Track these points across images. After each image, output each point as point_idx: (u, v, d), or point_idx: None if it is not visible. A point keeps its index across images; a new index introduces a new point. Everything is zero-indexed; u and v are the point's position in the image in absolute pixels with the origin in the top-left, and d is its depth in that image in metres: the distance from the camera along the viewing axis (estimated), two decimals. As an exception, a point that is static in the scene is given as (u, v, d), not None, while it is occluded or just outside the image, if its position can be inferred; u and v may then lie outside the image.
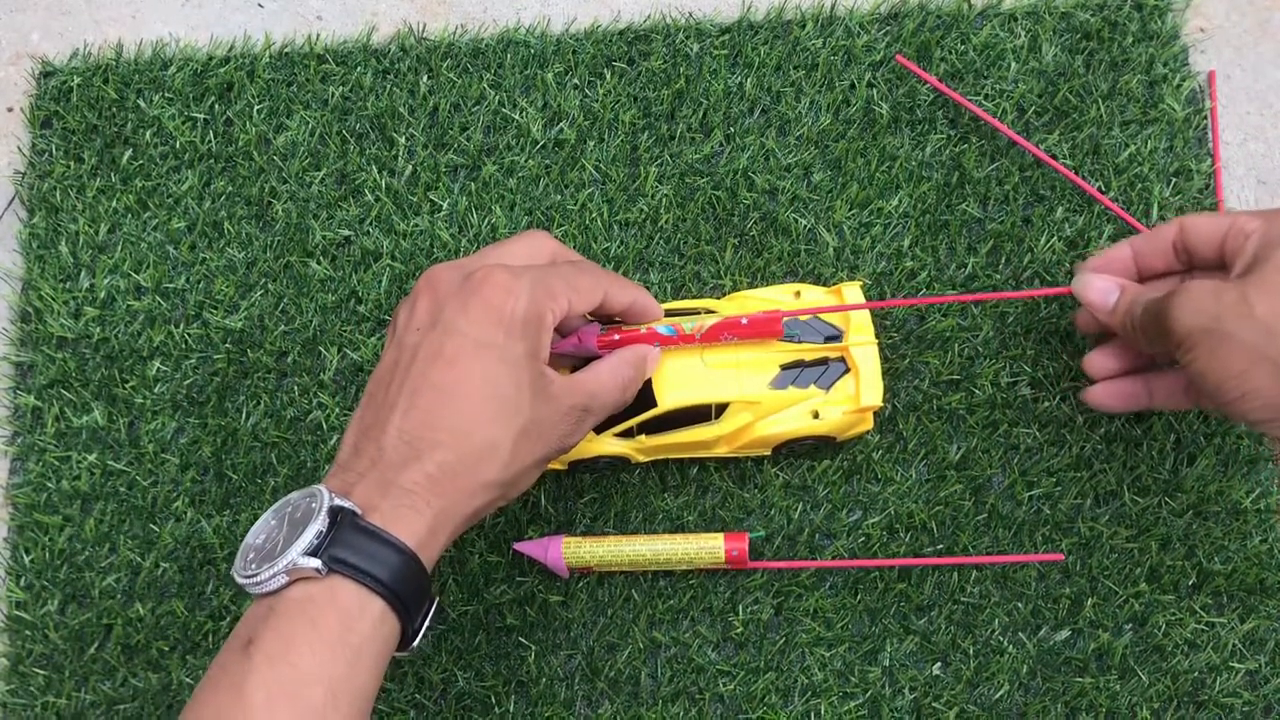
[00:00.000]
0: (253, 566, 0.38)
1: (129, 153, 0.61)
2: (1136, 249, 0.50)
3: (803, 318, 0.52)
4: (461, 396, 0.41)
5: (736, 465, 0.56)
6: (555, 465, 0.54)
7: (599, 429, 0.52)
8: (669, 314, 0.54)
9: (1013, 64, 0.60)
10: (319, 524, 0.38)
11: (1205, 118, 0.60)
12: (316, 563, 0.37)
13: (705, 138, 0.60)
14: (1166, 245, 0.49)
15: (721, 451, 0.53)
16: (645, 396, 0.51)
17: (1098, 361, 0.52)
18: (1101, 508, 0.55)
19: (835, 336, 0.52)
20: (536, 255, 0.46)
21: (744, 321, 0.50)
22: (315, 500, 0.39)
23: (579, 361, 0.50)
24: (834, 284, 0.57)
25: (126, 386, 0.58)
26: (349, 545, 0.38)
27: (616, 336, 0.49)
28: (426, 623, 0.41)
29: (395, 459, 0.40)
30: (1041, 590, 0.54)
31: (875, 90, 0.60)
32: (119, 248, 0.60)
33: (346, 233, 0.59)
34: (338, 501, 0.39)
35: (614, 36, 0.62)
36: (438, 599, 0.47)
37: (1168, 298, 0.44)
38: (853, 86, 0.60)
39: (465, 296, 0.42)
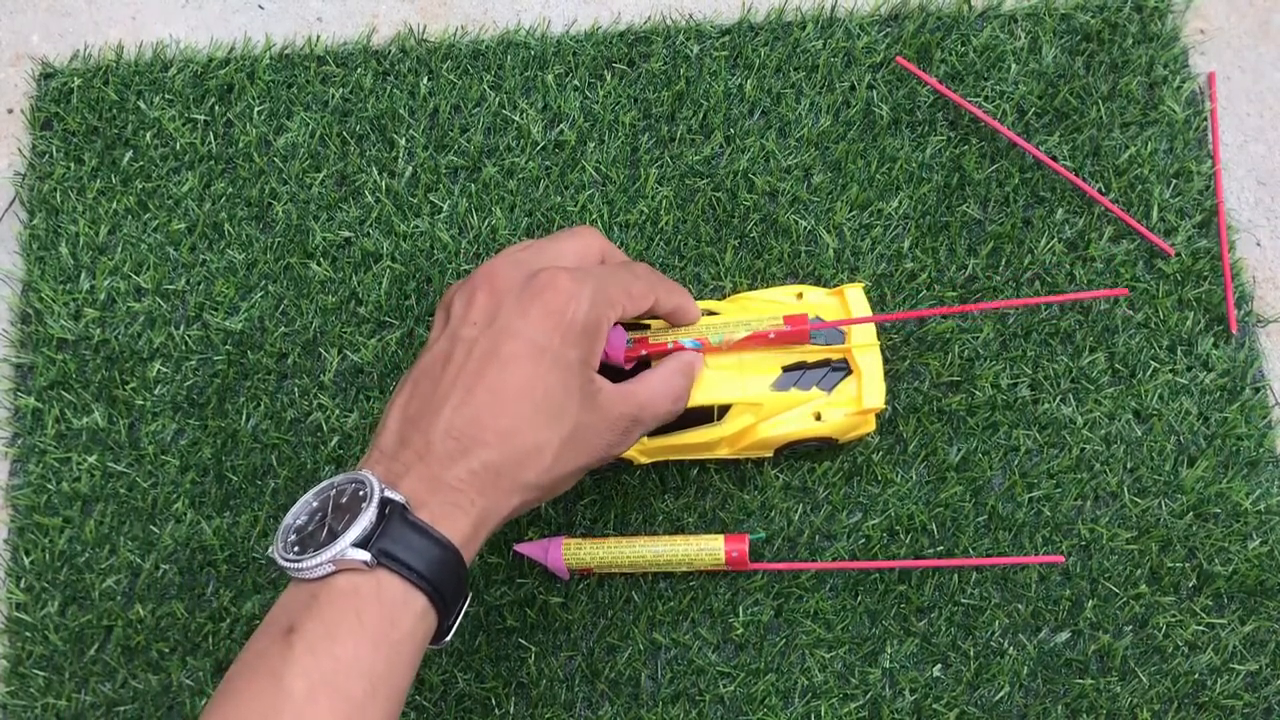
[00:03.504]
0: (295, 550, 0.38)
1: (129, 154, 0.61)
2: None
3: (812, 319, 0.52)
4: (513, 399, 0.41)
5: (736, 467, 0.56)
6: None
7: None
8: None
9: (1013, 65, 0.60)
10: (370, 515, 0.37)
11: (1205, 119, 0.60)
12: (366, 555, 0.37)
13: (705, 139, 0.60)
14: None
15: (723, 453, 0.53)
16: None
17: None
18: (1102, 509, 0.55)
19: (838, 338, 0.52)
20: (587, 255, 0.46)
21: (771, 336, 0.50)
22: (364, 488, 0.38)
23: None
24: (835, 285, 0.57)
25: (127, 388, 0.58)
26: (399, 539, 0.37)
27: (643, 352, 0.49)
28: (460, 619, 0.41)
29: (443, 454, 0.40)
30: (1042, 592, 0.54)
31: (875, 92, 0.60)
32: (119, 249, 0.60)
33: (347, 234, 0.59)
34: (389, 494, 0.38)
35: (614, 38, 0.62)
36: (471, 594, 0.47)
37: None
38: (853, 88, 0.60)
39: (528, 299, 0.42)
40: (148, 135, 0.61)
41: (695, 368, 0.49)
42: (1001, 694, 0.53)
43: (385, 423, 0.42)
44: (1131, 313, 0.57)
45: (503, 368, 0.41)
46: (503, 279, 0.43)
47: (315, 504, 0.40)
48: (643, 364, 0.51)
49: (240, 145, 0.61)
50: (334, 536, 0.37)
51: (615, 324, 0.49)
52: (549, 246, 0.45)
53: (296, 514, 0.40)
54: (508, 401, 0.40)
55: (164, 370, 0.58)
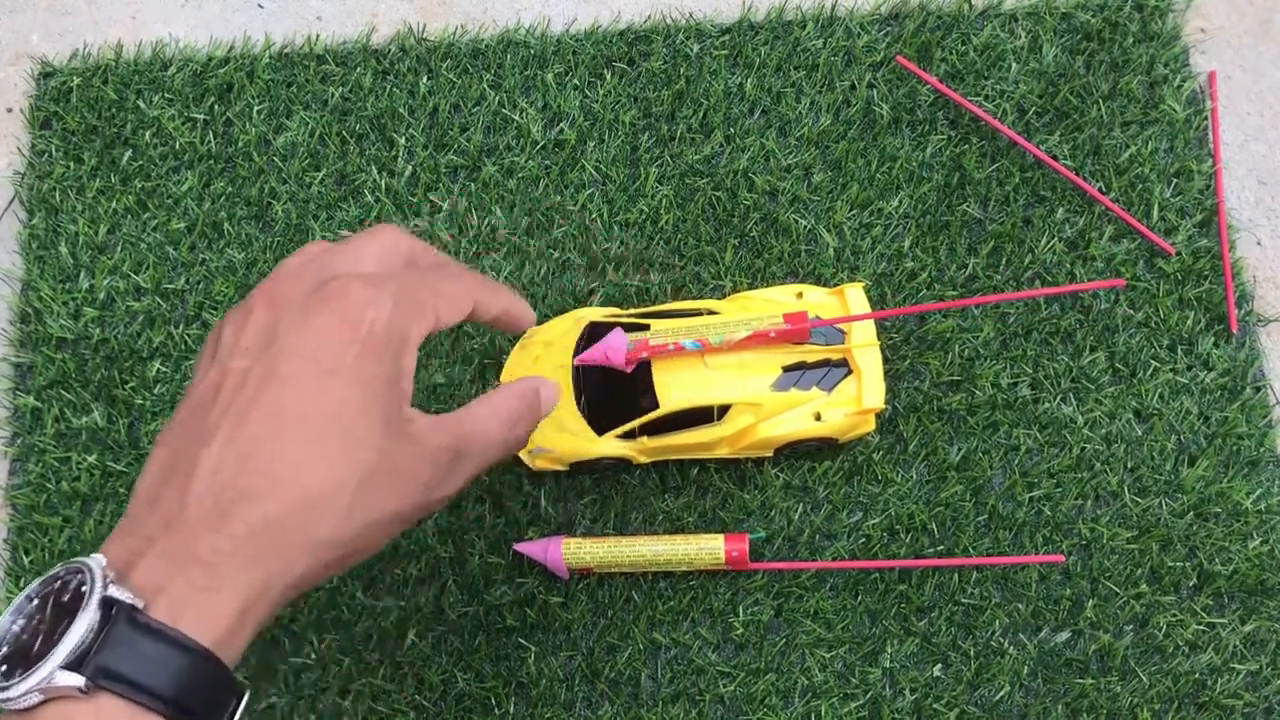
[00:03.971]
0: (2, 670, 0.30)
1: (129, 153, 0.61)
2: None
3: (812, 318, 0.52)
4: (294, 426, 0.32)
5: (737, 466, 0.56)
6: (555, 465, 0.54)
7: (600, 429, 0.52)
8: (669, 315, 0.54)
9: (1013, 65, 0.60)
10: (86, 621, 0.29)
11: (1206, 118, 0.60)
12: (79, 680, 0.29)
13: (705, 138, 0.60)
14: None
15: (723, 453, 0.53)
16: (648, 398, 0.51)
17: None
18: (1102, 509, 0.55)
19: (838, 338, 0.52)
20: (389, 257, 0.38)
21: (772, 335, 0.50)
22: (85, 581, 0.30)
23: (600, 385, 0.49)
24: (835, 285, 0.57)
25: (126, 387, 0.58)
26: (124, 650, 0.29)
27: (644, 354, 0.49)
28: (238, 716, 0.32)
29: (198, 516, 0.31)
30: (1042, 591, 0.54)
31: (876, 91, 0.60)
32: (119, 248, 0.60)
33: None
34: (113, 589, 0.30)
35: (614, 37, 0.62)
36: (248, 692, 0.38)
37: None
38: (853, 87, 0.60)
39: (312, 311, 0.34)
40: (147, 134, 0.61)
41: (539, 392, 0.41)
42: (1002, 694, 0.53)
43: (140, 478, 0.33)
44: (1132, 312, 0.57)
45: (280, 389, 0.33)
46: (283, 293, 0.35)
47: (34, 602, 0.31)
48: (644, 366, 0.51)
49: (240, 144, 0.61)
50: (45, 652, 0.29)
51: (615, 326, 0.49)
52: (341, 251, 0.37)
53: (11, 616, 0.31)
54: (288, 430, 0.32)
55: (163, 370, 0.58)
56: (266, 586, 0.32)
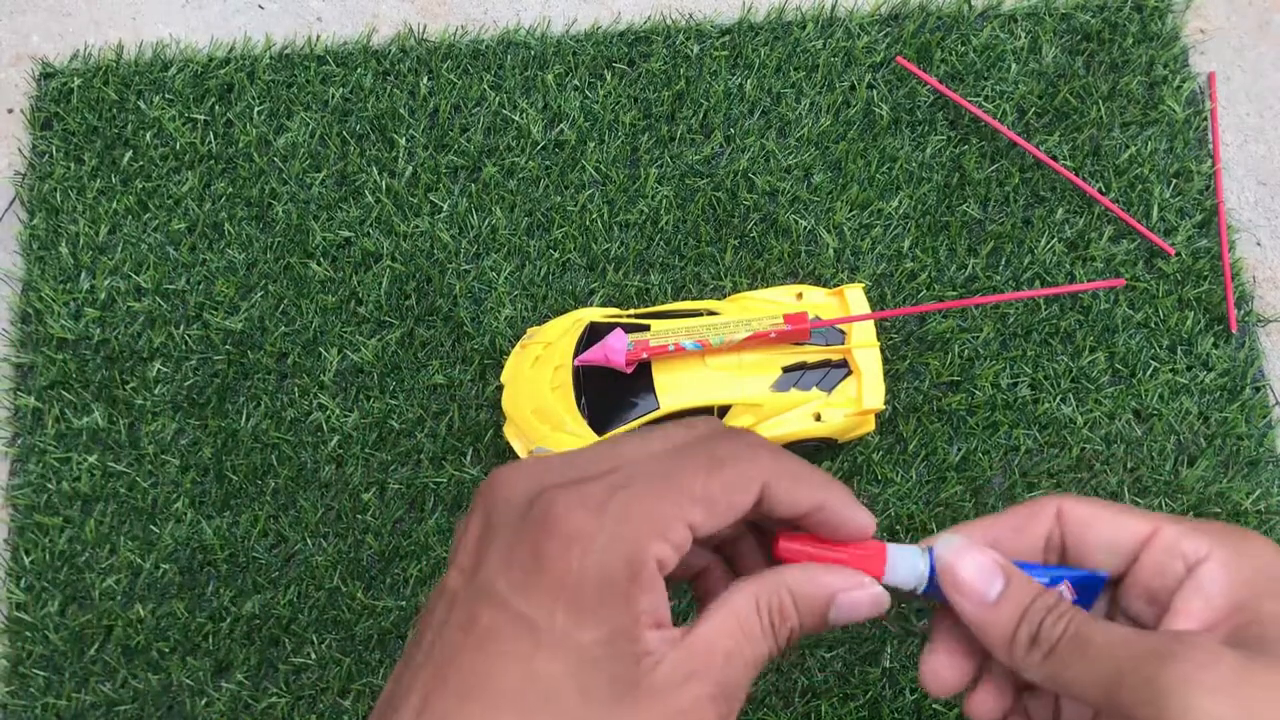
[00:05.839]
0: None
1: (129, 154, 0.61)
2: (996, 538, 0.32)
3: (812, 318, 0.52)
4: (490, 709, 0.26)
5: (737, 466, 0.56)
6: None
7: (600, 429, 0.52)
8: (668, 315, 0.54)
9: (1013, 65, 0.60)
10: None
11: (1205, 119, 0.60)
12: None
13: (705, 139, 0.60)
14: (1036, 542, 0.32)
15: (722, 453, 0.53)
16: (648, 398, 0.51)
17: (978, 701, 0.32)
18: (1102, 509, 0.55)
19: (838, 338, 0.52)
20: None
21: (772, 336, 0.50)
22: None
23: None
24: (835, 285, 0.57)
25: (127, 388, 0.58)
26: None
27: (644, 355, 0.49)
28: None
29: None
30: (1042, 591, 0.54)
31: (875, 91, 0.60)
32: (119, 249, 0.60)
33: (347, 234, 0.59)
34: None
35: (614, 38, 0.62)
36: None
37: (1172, 661, 0.26)
38: (853, 88, 0.60)
39: (516, 539, 0.27)
40: (147, 135, 0.61)
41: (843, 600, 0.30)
42: (1001, 694, 0.53)
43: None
44: (1132, 312, 0.57)
45: (475, 653, 0.26)
46: (500, 501, 0.28)
47: None
48: (644, 367, 0.52)
49: (240, 145, 0.61)
50: None
51: (615, 327, 0.49)
52: (628, 445, 0.28)
53: None
54: (484, 712, 0.26)
55: (164, 370, 0.58)
56: None
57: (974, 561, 0.30)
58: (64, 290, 0.59)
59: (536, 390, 0.53)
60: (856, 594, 0.29)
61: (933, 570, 0.32)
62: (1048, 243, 0.58)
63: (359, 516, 0.55)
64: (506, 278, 0.58)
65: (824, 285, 0.57)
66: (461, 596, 0.27)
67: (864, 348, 0.52)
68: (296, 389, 0.58)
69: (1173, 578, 0.29)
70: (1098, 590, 0.32)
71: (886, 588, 0.32)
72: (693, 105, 0.60)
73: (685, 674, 0.26)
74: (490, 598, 0.26)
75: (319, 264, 0.59)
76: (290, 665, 0.54)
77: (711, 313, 0.53)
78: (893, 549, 0.32)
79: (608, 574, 0.26)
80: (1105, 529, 0.31)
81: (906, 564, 0.32)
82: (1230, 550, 0.29)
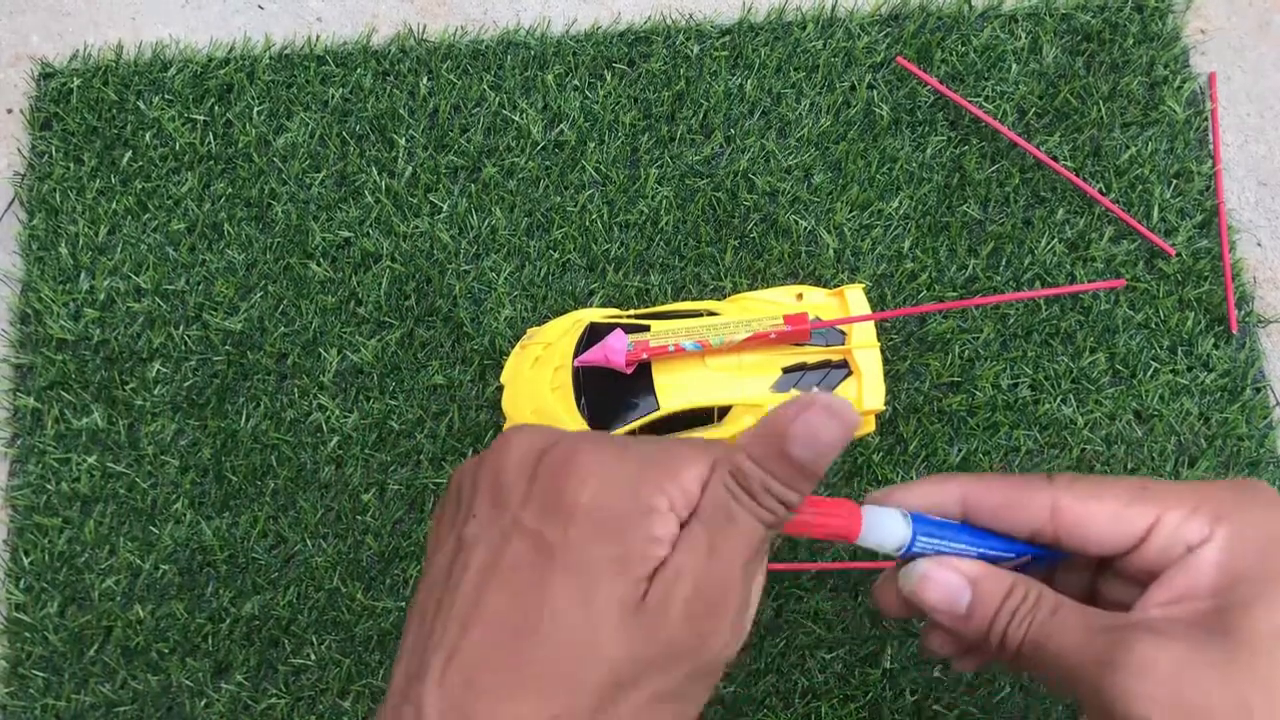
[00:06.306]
0: None
1: (129, 154, 0.61)
2: (975, 503, 0.34)
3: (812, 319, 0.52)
4: (523, 635, 0.27)
5: (737, 467, 0.55)
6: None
7: (600, 430, 0.52)
8: (668, 316, 0.54)
9: (1013, 65, 0.60)
10: None
11: (1206, 119, 0.60)
12: None
13: (705, 139, 0.60)
14: (1020, 531, 0.33)
15: (722, 454, 0.53)
16: (648, 399, 0.51)
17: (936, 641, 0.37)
18: (1102, 510, 0.55)
19: (838, 339, 0.52)
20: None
21: (772, 336, 0.50)
22: None
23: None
24: (835, 286, 0.57)
25: (126, 388, 0.58)
26: None
27: (644, 355, 0.49)
28: None
29: None
30: (1042, 592, 0.54)
31: (876, 92, 0.60)
32: (119, 249, 0.60)
33: (346, 234, 0.59)
34: None
35: (614, 38, 0.62)
36: None
37: (1111, 671, 0.29)
38: (853, 88, 0.60)
39: (534, 480, 0.29)
40: (147, 135, 0.61)
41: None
42: (1003, 694, 0.53)
43: (399, 651, 0.30)
44: (1133, 312, 0.57)
45: (503, 586, 0.28)
46: (517, 448, 0.30)
47: None
48: (644, 367, 0.51)
49: (240, 145, 0.61)
50: None
51: (615, 327, 0.49)
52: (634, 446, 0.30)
53: None
54: (518, 640, 0.27)
55: (164, 370, 0.58)
56: None
57: (939, 584, 0.33)
58: (63, 291, 0.59)
59: (536, 391, 0.53)
60: (808, 415, 0.28)
61: (914, 538, 0.33)
62: (1048, 243, 0.58)
63: (359, 517, 0.55)
64: (506, 278, 0.58)
65: (824, 286, 0.57)
66: (483, 537, 0.29)
67: (864, 348, 0.52)
68: (296, 390, 0.57)
69: (1173, 560, 0.31)
70: (1061, 558, 0.34)
71: (870, 552, 0.34)
72: (693, 105, 0.60)
73: (685, 595, 0.28)
74: (517, 527, 0.28)
75: (319, 264, 0.59)
76: (290, 666, 0.54)
77: (711, 313, 0.53)
78: (871, 511, 0.32)
79: (623, 505, 0.28)
80: (1105, 528, 0.32)
81: (886, 528, 0.33)
82: (1233, 528, 0.30)
